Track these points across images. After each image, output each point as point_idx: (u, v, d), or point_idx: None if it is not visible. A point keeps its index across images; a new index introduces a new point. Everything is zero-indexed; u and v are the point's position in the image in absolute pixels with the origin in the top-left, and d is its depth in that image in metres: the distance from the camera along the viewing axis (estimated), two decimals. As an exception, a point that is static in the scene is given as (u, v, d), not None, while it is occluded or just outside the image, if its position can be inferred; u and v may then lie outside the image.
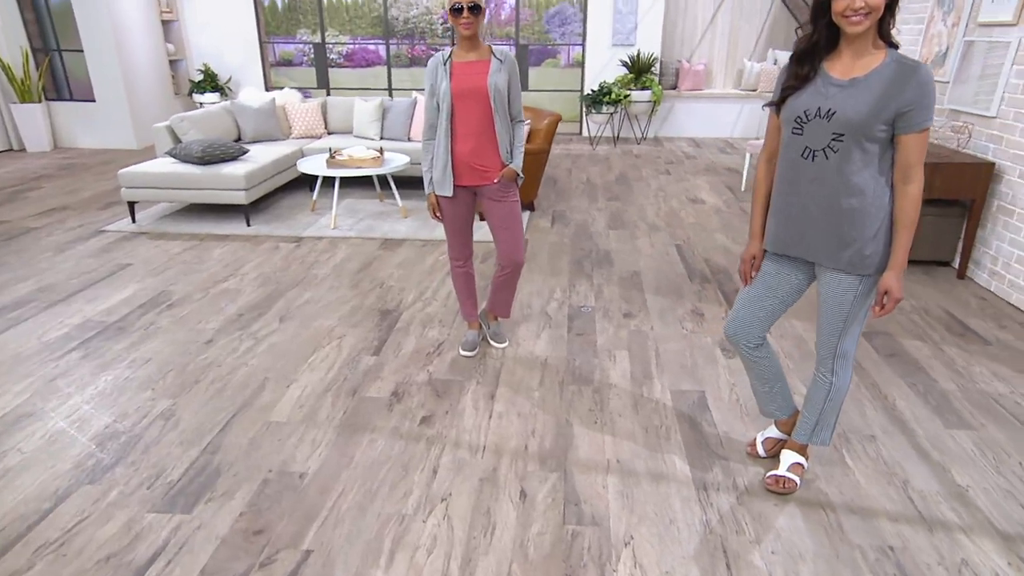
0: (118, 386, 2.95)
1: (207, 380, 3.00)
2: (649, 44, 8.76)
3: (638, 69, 8.49)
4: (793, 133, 1.94)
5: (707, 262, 4.47)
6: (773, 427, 2.45)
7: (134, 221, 5.31)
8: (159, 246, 4.80)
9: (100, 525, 2.13)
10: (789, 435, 2.40)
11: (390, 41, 10.19)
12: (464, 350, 3.23)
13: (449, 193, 2.89)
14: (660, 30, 8.74)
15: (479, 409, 2.79)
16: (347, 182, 6.64)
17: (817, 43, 1.89)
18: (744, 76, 9.13)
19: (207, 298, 3.89)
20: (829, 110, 1.85)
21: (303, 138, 6.59)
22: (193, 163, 5.24)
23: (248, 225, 5.24)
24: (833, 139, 1.86)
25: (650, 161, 7.71)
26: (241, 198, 5.17)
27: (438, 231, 5.10)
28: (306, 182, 6.58)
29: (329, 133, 6.81)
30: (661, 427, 2.66)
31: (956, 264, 4.27)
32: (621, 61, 8.68)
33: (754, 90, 9.03)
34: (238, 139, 6.36)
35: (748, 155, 6.26)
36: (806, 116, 1.90)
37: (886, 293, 1.90)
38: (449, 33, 10.45)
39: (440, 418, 2.73)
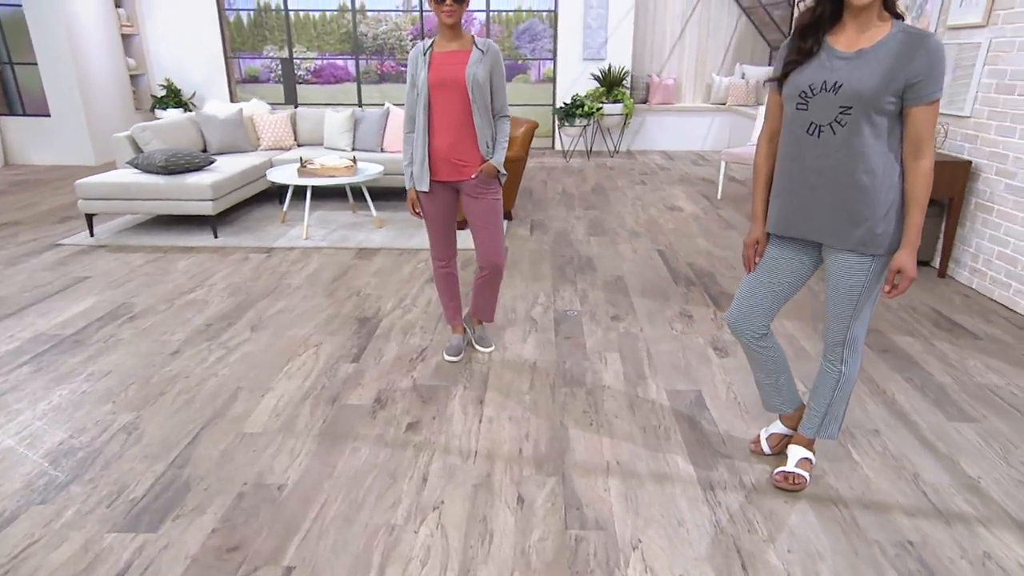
0: (74, 400, 2.72)
1: (173, 392, 2.80)
2: (620, 58, 8.83)
3: (609, 83, 8.53)
4: (797, 108, 1.87)
5: (691, 266, 4.41)
6: (778, 422, 2.35)
7: (92, 235, 5.05)
8: (119, 259, 4.55)
9: (53, 548, 1.91)
10: (795, 430, 2.31)
11: (359, 57, 10.10)
12: (449, 355, 3.08)
13: (426, 188, 2.78)
14: (630, 44, 8.81)
15: (468, 414, 2.64)
16: (319, 194, 6.47)
17: (821, 16, 1.83)
18: (713, 90, 9.25)
19: (172, 309, 3.67)
20: (836, 83, 1.78)
21: (272, 150, 6.41)
22: (156, 173, 5.02)
23: (215, 237, 5.03)
24: (840, 113, 1.79)
25: (624, 173, 7.70)
26: (208, 208, 4.96)
27: (415, 240, 4.96)
28: (276, 195, 6.40)
29: (299, 145, 6.64)
30: (660, 427, 2.55)
31: (937, 263, 4.28)
32: (592, 75, 8.71)
33: (723, 104, 9.14)
34: (204, 151, 6.15)
35: (723, 163, 6.27)
36: (811, 91, 1.83)
37: (899, 272, 1.83)
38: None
39: (427, 424, 2.57)
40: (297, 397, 2.76)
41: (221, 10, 9.00)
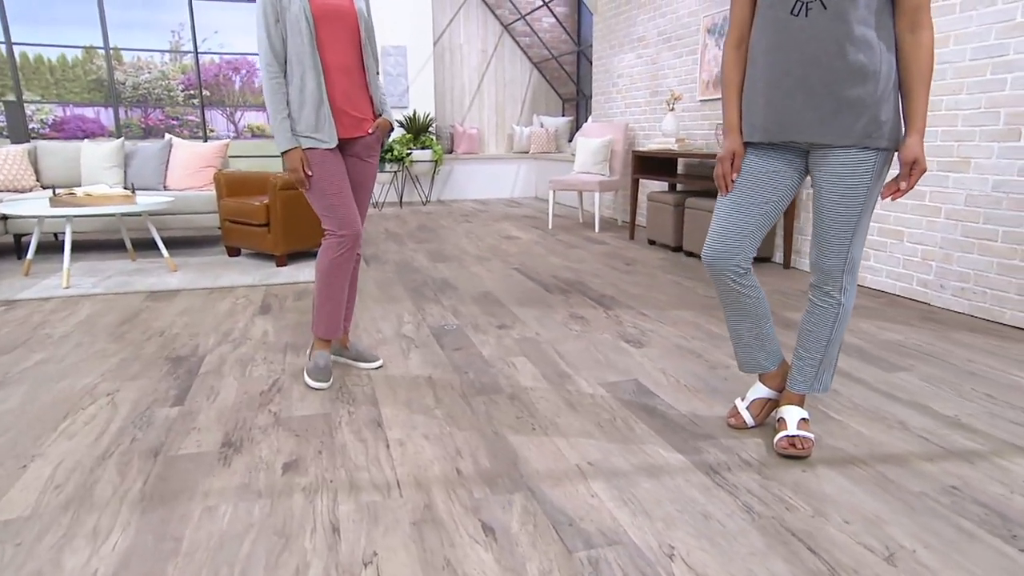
0: None
1: None
2: (423, 105, 8.62)
3: (416, 129, 8.24)
4: (779, -15, 1.60)
5: (555, 278, 4.07)
6: (759, 386, 1.98)
7: None
8: None
9: None
10: (780, 391, 1.96)
11: (119, 108, 8.67)
12: (315, 380, 2.29)
13: (332, 142, 2.18)
14: (432, 94, 8.67)
15: (367, 440, 1.90)
16: (82, 245, 5.11)
17: None
18: (516, 139, 9.42)
19: None
20: (821, -53, 1.54)
21: (2, 191, 4.95)
22: None
23: (-81, 294, 3.58)
24: (831, -20, 1.54)
25: (444, 216, 7.34)
26: (-95, 254, 3.52)
27: (225, 279, 3.99)
28: (14, 250, 4.92)
29: (44, 187, 5.24)
30: (615, 419, 2.04)
31: (780, 258, 4.45)
32: (398, 121, 8.37)
33: (527, 152, 9.33)
34: None
35: (551, 192, 6.19)
36: (793, -39, 1.57)
37: (913, 163, 1.59)
38: (194, 100, 9.38)
39: (312, 460, 1.78)
40: (89, 459, 1.78)
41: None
